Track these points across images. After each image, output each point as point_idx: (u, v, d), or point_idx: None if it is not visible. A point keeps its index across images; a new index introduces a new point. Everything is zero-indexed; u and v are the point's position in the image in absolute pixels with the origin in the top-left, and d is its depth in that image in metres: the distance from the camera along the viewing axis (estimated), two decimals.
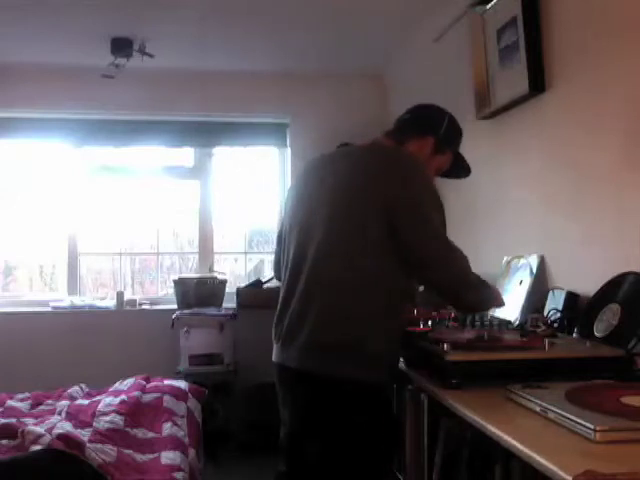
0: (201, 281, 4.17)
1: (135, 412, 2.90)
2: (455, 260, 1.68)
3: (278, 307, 1.83)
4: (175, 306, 4.13)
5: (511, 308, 2.28)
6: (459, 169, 2.01)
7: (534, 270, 2.29)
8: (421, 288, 2.74)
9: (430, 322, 1.91)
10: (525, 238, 2.48)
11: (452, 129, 1.93)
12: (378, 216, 1.63)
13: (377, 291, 1.65)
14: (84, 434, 2.57)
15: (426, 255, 1.65)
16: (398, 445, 1.93)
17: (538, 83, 2.32)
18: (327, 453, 1.68)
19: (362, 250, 1.65)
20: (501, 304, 1.86)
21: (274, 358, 1.83)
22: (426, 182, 1.71)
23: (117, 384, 3.37)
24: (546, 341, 1.62)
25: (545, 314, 2.05)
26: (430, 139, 1.86)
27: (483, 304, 1.80)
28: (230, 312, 4.02)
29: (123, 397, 3.03)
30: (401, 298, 1.72)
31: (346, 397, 1.64)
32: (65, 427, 2.61)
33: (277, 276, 2.06)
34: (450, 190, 3.30)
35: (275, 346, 1.83)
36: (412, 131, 1.87)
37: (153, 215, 4.59)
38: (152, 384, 3.28)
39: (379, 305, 1.65)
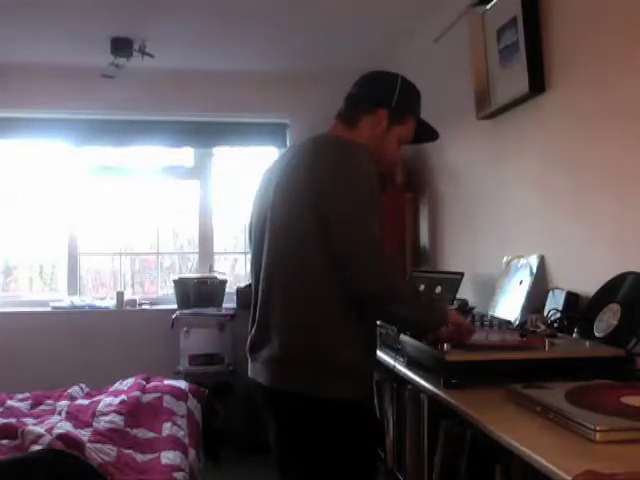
0: (201, 281, 4.17)
1: (135, 412, 2.91)
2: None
3: (250, 316, 1.76)
4: (175, 306, 4.13)
5: (511, 308, 2.28)
6: (424, 134, 1.80)
7: (534, 270, 2.29)
8: (421, 287, 2.76)
9: None
10: (525, 238, 2.48)
11: (407, 95, 1.72)
12: (313, 211, 1.51)
13: (330, 289, 1.51)
14: (84, 434, 2.57)
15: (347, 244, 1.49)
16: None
17: (538, 83, 2.32)
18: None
19: (307, 249, 1.53)
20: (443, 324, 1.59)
21: (249, 374, 1.76)
22: (356, 173, 1.53)
23: (117, 384, 3.37)
24: (546, 341, 1.62)
25: (545, 314, 2.05)
26: (382, 112, 1.68)
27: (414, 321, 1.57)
28: (230, 312, 4.02)
29: (123, 397, 3.03)
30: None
31: (325, 417, 1.52)
32: (65, 427, 2.61)
33: None
34: (450, 190, 3.30)
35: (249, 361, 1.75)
36: (361, 108, 1.70)
37: (153, 215, 4.59)
38: (152, 384, 3.28)
39: (333, 304, 1.51)
